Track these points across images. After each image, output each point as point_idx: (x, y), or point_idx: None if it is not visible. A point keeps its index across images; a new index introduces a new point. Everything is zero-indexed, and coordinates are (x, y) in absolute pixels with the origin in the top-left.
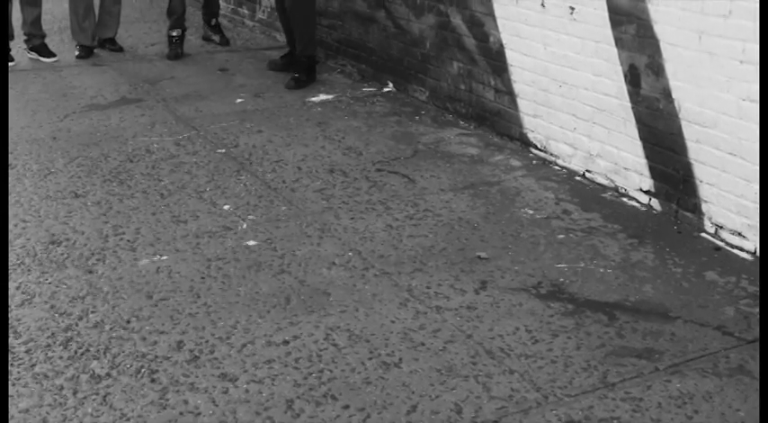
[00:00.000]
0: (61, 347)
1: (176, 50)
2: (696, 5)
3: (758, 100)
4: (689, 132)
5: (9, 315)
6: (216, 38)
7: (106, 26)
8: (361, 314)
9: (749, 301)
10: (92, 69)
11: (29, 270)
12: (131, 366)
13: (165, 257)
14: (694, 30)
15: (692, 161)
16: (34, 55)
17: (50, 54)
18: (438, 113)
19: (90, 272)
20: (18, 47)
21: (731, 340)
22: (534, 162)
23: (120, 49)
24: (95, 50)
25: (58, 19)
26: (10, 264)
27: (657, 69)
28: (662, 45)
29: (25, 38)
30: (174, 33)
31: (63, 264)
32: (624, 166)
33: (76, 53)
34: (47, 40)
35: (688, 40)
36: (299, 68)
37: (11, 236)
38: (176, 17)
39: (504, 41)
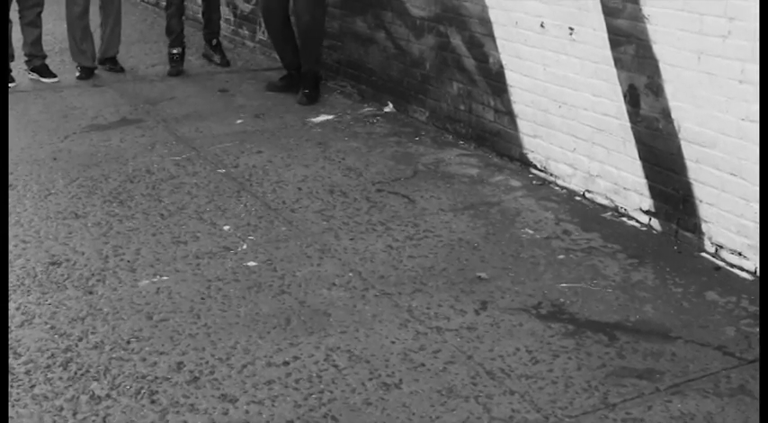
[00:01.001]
0: (61, 368)
1: (177, 68)
2: (695, 26)
3: (758, 120)
4: (688, 152)
5: (9, 336)
6: (216, 58)
7: (107, 45)
8: (362, 335)
9: (750, 320)
10: (92, 90)
11: (29, 291)
12: (131, 387)
13: (165, 278)
14: (693, 50)
15: (691, 181)
16: (35, 76)
17: (51, 75)
18: (438, 134)
19: (90, 293)
20: (19, 68)
21: (732, 360)
22: (534, 182)
23: (122, 70)
24: (96, 71)
25: (59, 40)
26: (10, 284)
27: (657, 90)
28: (661, 65)
29: (26, 58)
30: (174, 51)
31: (63, 284)
32: (624, 186)
33: (77, 74)
34: (48, 61)
35: (687, 60)
36: (309, 85)
37: (11, 256)
38: (175, 35)
39: (503, 62)
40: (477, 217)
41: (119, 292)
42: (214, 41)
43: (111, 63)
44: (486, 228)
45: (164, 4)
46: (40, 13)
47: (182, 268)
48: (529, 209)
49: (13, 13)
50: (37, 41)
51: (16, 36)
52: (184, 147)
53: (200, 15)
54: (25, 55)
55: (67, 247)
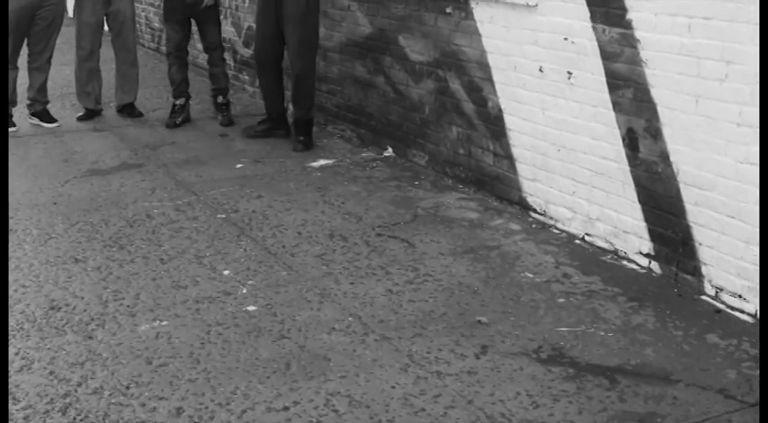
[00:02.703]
0: (60, 414)
1: (174, 119)
2: (692, 70)
3: (757, 162)
4: (687, 195)
5: (8, 381)
6: (219, 117)
7: (124, 91)
8: (362, 379)
9: (751, 363)
10: (93, 134)
11: (28, 335)
12: None
13: (164, 323)
14: (691, 93)
15: (691, 224)
16: (36, 120)
17: (52, 119)
18: (437, 178)
19: (89, 337)
20: (20, 112)
21: (734, 403)
22: (534, 226)
23: (140, 115)
24: (98, 116)
25: (60, 85)
26: (9, 329)
27: (655, 133)
28: (659, 109)
29: (28, 103)
30: (176, 102)
31: (62, 329)
32: (623, 229)
33: (79, 114)
34: (48, 106)
35: (685, 103)
36: (303, 131)
37: (10, 301)
38: (176, 85)
39: (502, 106)
40: (476, 261)
41: (118, 336)
42: (219, 99)
43: (130, 109)
44: (485, 272)
45: (164, 49)
46: (50, 58)
47: (181, 313)
48: (528, 252)
49: (21, 60)
50: (42, 87)
51: (20, 81)
52: (184, 191)
53: (200, 60)
54: (28, 99)
55: (67, 291)
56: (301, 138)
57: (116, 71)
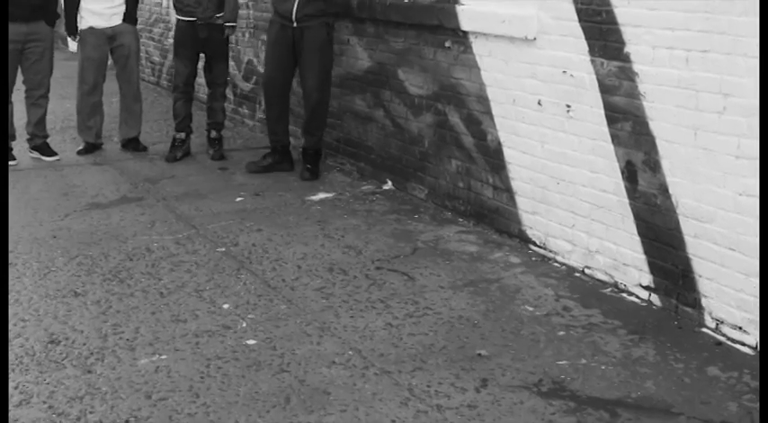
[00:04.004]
0: None
1: (174, 154)
2: (691, 102)
3: (756, 194)
4: (687, 227)
5: (8, 415)
6: (210, 151)
7: (128, 125)
8: (362, 414)
9: (752, 396)
10: (93, 168)
11: (27, 369)
12: None
13: (164, 357)
14: (689, 126)
15: (690, 256)
16: (36, 154)
17: (52, 153)
18: (437, 211)
19: (89, 371)
20: (20, 146)
21: None
22: (533, 259)
23: (144, 149)
24: (98, 150)
25: (60, 118)
26: (9, 363)
27: (654, 166)
28: (658, 142)
29: (28, 137)
30: (177, 136)
31: (62, 363)
32: (623, 261)
33: (79, 148)
34: (48, 139)
35: (684, 136)
36: (312, 160)
37: (10, 335)
38: (179, 120)
39: (501, 139)
40: (476, 294)
41: (117, 370)
42: (212, 134)
43: (134, 143)
44: (485, 305)
45: (164, 83)
46: (46, 93)
47: (181, 347)
48: (528, 285)
49: (17, 93)
50: (40, 121)
51: (18, 115)
52: (184, 225)
53: (200, 93)
54: (28, 134)
55: (66, 325)
56: (309, 166)
57: (120, 105)
